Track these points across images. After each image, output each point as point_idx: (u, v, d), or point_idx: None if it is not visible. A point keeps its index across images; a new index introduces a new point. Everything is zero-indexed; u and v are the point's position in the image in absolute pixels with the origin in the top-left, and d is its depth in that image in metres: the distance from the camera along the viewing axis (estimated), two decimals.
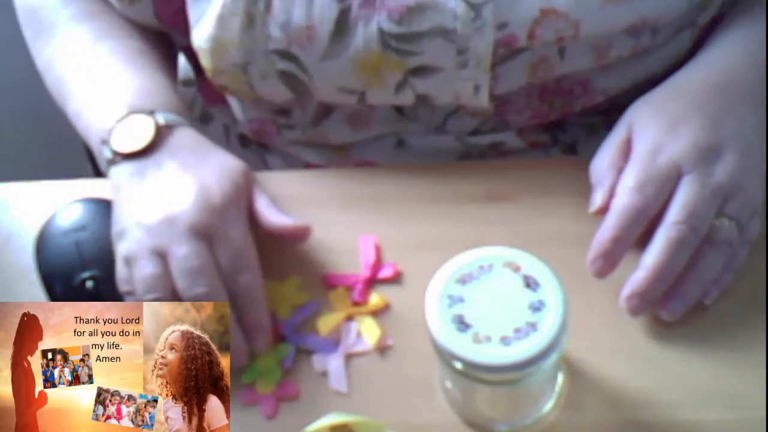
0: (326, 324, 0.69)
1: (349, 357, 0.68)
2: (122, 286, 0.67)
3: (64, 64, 0.80)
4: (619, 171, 0.68)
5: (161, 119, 0.72)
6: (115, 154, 0.71)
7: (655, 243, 0.64)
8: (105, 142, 0.71)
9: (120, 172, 0.71)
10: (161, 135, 0.71)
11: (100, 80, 0.77)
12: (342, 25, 0.70)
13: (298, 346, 0.68)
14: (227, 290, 0.66)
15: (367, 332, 0.68)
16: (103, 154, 0.72)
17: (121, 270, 0.67)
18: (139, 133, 0.71)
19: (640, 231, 0.65)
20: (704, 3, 0.74)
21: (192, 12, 0.75)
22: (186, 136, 0.72)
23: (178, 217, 0.67)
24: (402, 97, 0.75)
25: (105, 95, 0.75)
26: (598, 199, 0.68)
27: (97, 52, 0.79)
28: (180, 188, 0.68)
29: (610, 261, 0.65)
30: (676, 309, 0.65)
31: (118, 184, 0.71)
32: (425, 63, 0.72)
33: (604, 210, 0.67)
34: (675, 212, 0.64)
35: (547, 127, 0.81)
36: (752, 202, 0.66)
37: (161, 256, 0.66)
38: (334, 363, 0.67)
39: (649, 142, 0.67)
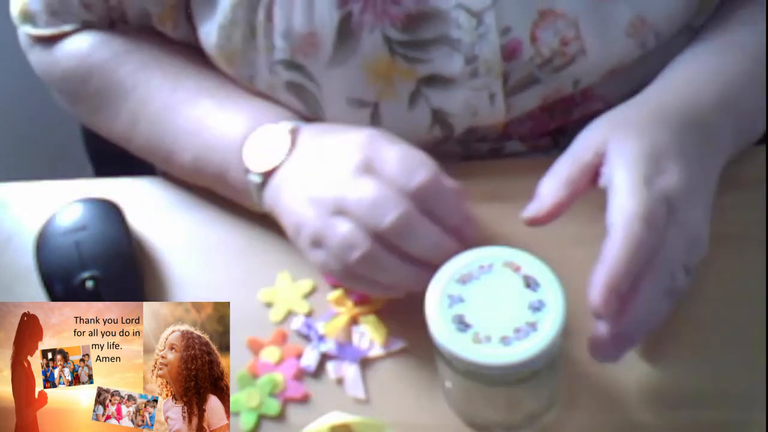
0: (332, 328, 0.69)
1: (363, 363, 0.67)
2: (324, 270, 0.66)
3: (156, 118, 0.76)
4: (577, 192, 0.63)
5: (288, 125, 0.70)
6: (263, 174, 0.69)
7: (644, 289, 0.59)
8: (248, 171, 0.70)
9: (280, 178, 0.69)
10: (295, 135, 0.70)
11: (206, 120, 0.74)
12: (344, 31, 0.70)
13: (322, 351, 0.68)
14: (413, 202, 0.63)
15: (373, 331, 0.68)
16: (251, 183, 0.70)
17: (315, 257, 0.65)
18: (276, 143, 0.70)
19: None
20: (701, 4, 0.74)
21: (196, 17, 0.75)
22: (314, 127, 0.71)
23: (334, 170, 0.65)
24: (417, 113, 0.73)
25: (221, 131, 0.73)
26: (541, 209, 0.64)
27: (181, 95, 0.76)
28: (337, 146, 0.67)
29: (620, 299, 0.58)
30: (618, 353, 0.60)
31: (277, 194, 0.69)
32: (436, 72, 0.71)
33: (536, 221, 0.63)
34: (664, 259, 0.60)
35: (548, 131, 0.81)
36: (703, 252, 0.62)
37: (341, 213, 0.63)
38: (350, 370, 0.67)
39: (638, 172, 0.62)
